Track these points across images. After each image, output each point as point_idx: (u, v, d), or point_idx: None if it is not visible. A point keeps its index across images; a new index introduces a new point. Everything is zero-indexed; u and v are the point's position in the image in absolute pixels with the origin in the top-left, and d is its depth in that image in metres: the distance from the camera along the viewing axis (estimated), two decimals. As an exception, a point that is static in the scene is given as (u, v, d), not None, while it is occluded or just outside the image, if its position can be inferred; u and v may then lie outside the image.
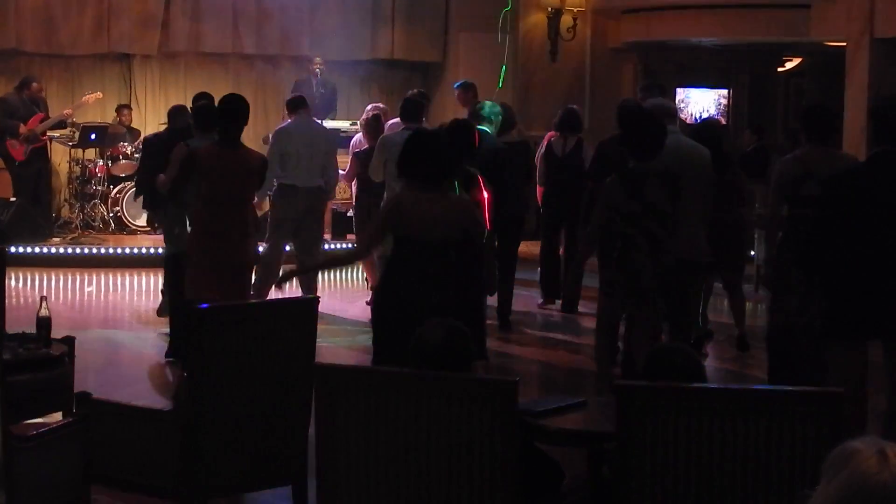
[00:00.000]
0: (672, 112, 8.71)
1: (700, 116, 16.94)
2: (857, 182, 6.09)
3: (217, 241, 8.03)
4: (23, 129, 14.44)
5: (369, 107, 12.15)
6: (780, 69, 18.04)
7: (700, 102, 17.23)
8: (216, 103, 8.75)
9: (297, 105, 10.92)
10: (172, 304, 9.48)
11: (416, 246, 6.30)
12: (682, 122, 12.32)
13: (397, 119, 11.01)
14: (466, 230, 6.43)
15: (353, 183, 11.59)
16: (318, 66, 15.61)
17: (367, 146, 11.29)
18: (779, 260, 7.94)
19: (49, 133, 14.93)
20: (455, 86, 12.97)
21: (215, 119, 8.45)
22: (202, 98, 10.12)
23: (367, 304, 11.35)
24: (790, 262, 7.48)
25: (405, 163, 6.50)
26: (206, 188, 8.05)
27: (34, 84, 14.96)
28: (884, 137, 6.04)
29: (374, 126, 11.39)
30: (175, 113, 10.96)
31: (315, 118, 11.80)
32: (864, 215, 5.92)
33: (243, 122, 8.22)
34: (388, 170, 9.59)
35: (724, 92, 17.31)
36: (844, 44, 14.36)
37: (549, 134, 11.97)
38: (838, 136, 11.46)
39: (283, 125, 11.15)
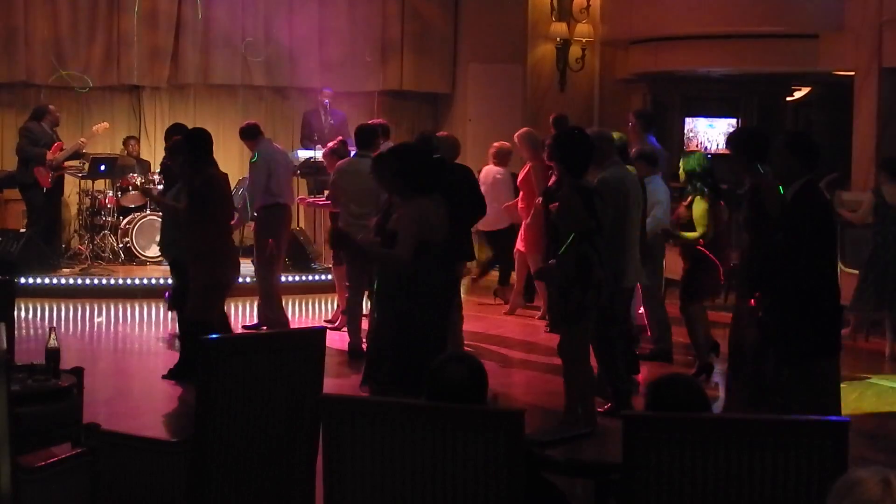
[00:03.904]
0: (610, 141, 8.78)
1: (708, 146, 16.94)
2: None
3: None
4: (49, 155, 14.50)
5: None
6: (788, 99, 18.05)
7: (709, 133, 17.21)
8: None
9: (255, 133, 11.58)
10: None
11: (437, 249, 6.46)
12: None
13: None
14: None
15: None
16: (327, 97, 15.65)
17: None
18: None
19: (61, 164, 15.00)
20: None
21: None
22: (175, 131, 10.44)
23: (326, 322, 11.46)
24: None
25: (414, 175, 6.64)
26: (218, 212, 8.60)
27: (51, 107, 15.04)
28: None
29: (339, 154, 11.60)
30: None
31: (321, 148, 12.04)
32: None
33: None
34: (348, 196, 10.54)
35: (733, 121, 17.30)
36: (853, 73, 14.40)
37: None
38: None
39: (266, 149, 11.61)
